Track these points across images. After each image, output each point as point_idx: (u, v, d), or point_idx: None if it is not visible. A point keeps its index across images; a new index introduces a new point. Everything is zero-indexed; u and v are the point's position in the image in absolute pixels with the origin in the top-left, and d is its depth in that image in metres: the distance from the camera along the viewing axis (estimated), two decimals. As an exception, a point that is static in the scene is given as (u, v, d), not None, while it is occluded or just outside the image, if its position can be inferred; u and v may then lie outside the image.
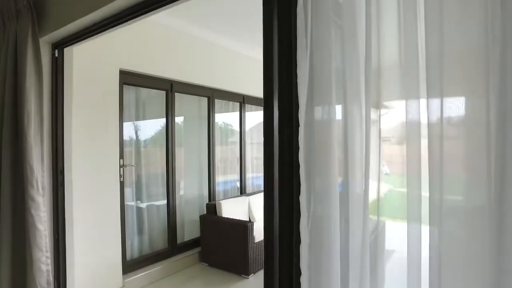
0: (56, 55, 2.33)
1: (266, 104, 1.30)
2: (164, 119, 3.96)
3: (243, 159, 5.42)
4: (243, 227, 3.79)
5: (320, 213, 1.06)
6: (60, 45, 2.32)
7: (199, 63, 4.28)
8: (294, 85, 1.13)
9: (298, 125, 1.16)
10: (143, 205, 3.86)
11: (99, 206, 3.07)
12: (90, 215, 2.97)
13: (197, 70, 4.25)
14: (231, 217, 4.17)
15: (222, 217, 4.12)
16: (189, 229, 4.43)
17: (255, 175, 5.89)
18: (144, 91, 3.85)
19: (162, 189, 4.03)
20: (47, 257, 2.11)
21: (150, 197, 3.97)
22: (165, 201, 4.02)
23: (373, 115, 0.99)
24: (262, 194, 4.37)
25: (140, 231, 3.81)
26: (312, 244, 1.07)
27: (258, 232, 3.98)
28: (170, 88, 3.96)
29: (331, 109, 1.04)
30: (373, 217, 1.02)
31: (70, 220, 2.61)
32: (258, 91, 5.07)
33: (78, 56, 2.72)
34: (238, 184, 5.43)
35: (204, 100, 4.63)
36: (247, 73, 5.36)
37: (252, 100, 5.56)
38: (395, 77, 0.91)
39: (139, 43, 3.47)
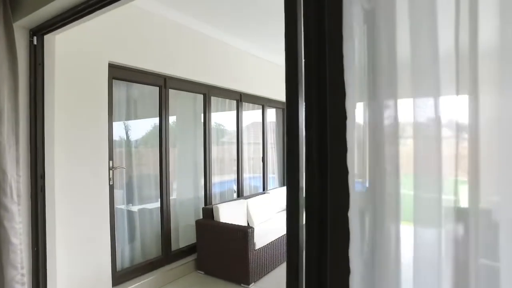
0: (35, 42, 2.05)
1: (290, 95, 1.04)
2: (157, 118, 3.68)
3: (240, 160, 5.16)
4: (243, 233, 3.54)
5: (385, 237, 0.81)
6: (39, 31, 2.03)
7: (194, 57, 4.01)
8: (335, 70, 0.88)
9: (333, 122, 0.92)
10: (135, 209, 3.58)
11: (86, 213, 2.78)
12: (75, 223, 2.68)
13: (192, 65, 3.98)
14: (229, 222, 3.91)
15: (220, 222, 3.86)
16: (184, 235, 4.15)
17: (252, 176, 5.65)
18: (135, 87, 3.56)
19: (155, 193, 3.75)
20: (22, 274, 1.83)
21: (143, 201, 3.68)
22: (158, 206, 3.74)
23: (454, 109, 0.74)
24: (261, 197, 4.14)
25: (132, 238, 3.53)
26: (366, 277, 0.82)
27: (259, 238, 3.74)
28: (164, 84, 3.68)
29: (395, 101, 0.79)
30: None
31: (52, 230, 2.33)
32: (256, 88, 4.83)
33: (61, 46, 2.43)
34: (234, 186, 5.17)
35: (200, 98, 4.36)
36: (245, 70, 5.11)
37: (249, 98, 5.31)
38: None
39: (130, 35, 3.18)
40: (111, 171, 3.07)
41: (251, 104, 5.47)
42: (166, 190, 3.75)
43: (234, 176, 5.15)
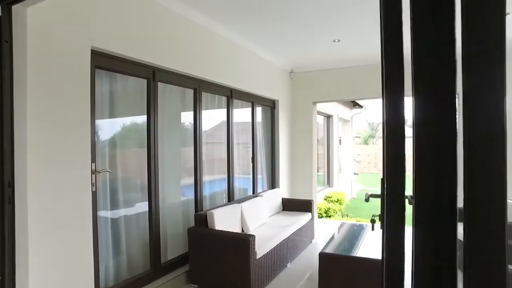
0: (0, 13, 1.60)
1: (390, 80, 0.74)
2: (145, 114, 3.25)
3: (231, 160, 4.81)
4: (244, 242, 3.20)
5: None
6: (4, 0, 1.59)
7: (184, 48, 3.61)
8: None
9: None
10: (120, 218, 3.13)
11: (65, 227, 2.32)
12: (52, 240, 2.22)
13: (182, 56, 3.58)
14: (224, 229, 3.56)
15: (216, 230, 3.49)
16: (174, 245, 3.74)
17: (241, 177, 5.31)
18: (121, 80, 3.11)
19: (143, 198, 3.31)
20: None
21: (129, 209, 3.24)
22: (146, 213, 3.31)
23: None
24: (254, 200, 3.81)
25: (117, 251, 3.08)
26: None
27: (259, 246, 3.42)
28: (152, 76, 3.26)
29: None
30: None
31: (23, 248, 1.88)
32: (247, 85, 4.47)
33: (35, 23, 1.98)
34: (225, 188, 4.80)
35: (190, 93, 3.96)
36: (236, 64, 4.76)
37: (240, 95, 4.97)
38: None
39: (116, 18, 2.74)
40: (93, 175, 2.62)
41: (239, 102, 5.12)
42: (155, 196, 3.33)
43: (224, 178, 4.78)
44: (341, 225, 4.39)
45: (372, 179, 18.36)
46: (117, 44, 2.75)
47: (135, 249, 3.24)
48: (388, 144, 0.80)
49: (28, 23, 1.88)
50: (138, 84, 3.22)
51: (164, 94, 3.52)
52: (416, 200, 0.74)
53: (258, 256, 3.33)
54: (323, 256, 3.23)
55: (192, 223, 3.87)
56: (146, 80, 3.21)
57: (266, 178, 6.09)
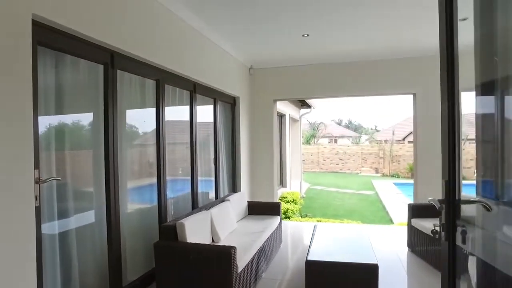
0: None
1: None
2: (102, 108, 2.65)
3: (194, 162, 4.32)
4: (225, 255, 2.79)
5: None
6: None
7: (147, 31, 3.07)
8: None
9: None
10: (71, 235, 2.47)
11: (-2, 258, 1.69)
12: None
13: (146, 40, 3.04)
14: (196, 241, 3.11)
15: (189, 243, 3.01)
16: (135, 263, 3.16)
17: (203, 179, 4.84)
18: (71, 64, 2.46)
19: (99, 209, 2.70)
20: None
21: (82, 223, 2.60)
22: (104, 227, 2.70)
23: None
24: (222, 206, 3.40)
25: (67, 279, 2.42)
26: None
27: (239, 259, 3.03)
28: (111, 62, 2.67)
29: None
30: None
31: None
32: (211, 79, 4.00)
33: None
34: (189, 193, 4.30)
35: (151, 84, 3.41)
36: (200, 55, 4.31)
37: (203, 90, 4.51)
38: None
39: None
40: (37, 186, 1.99)
41: (201, 99, 4.65)
42: (115, 205, 2.74)
43: (187, 181, 4.28)
44: (315, 227, 4.20)
45: (316, 177, 19.04)
46: (67, 15, 2.14)
47: (91, 271, 2.62)
48: None
49: None
50: (93, 71, 2.61)
51: (122, 85, 2.93)
52: None
53: (239, 270, 2.95)
54: (311, 264, 2.97)
55: (155, 236, 3.33)
56: (103, 66, 2.61)
57: (227, 180, 5.69)
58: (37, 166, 1.97)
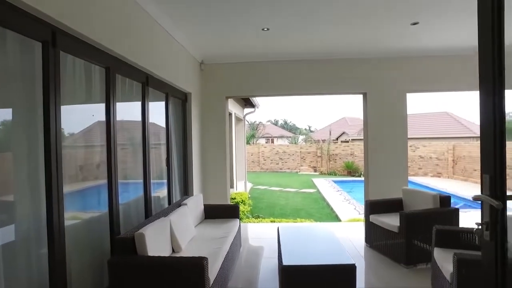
0: None
1: None
2: (41, 98, 2.11)
3: (147, 164, 3.84)
4: (197, 267, 2.46)
5: None
6: None
7: (96, 7, 2.57)
8: None
9: None
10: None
11: None
12: None
13: (94, 17, 2.54)
14: (157, 254, 2.72)
15: (151, 257, 2.60)
16: (81, 283, 2.63)
17: (156, 182, 4.36)
18: (0, 40, 1.90)
19: (36, 221, 2.14)
20: None
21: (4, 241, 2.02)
22: (44, 240, 2.15)
23: None
24: (180, 211, 3.13)
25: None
26: None
27: (211, 269, 2.72)
28: (52, 39, 2.14)
29: None
30: None
31: None
32: (164, 71, 3.61)
33: None
34: (142, 196, 3.80)
35: (99, 73, 2.88)
36: (155, 44, 3.85)
37: (155, 83, 4.05)
38: None
39: None
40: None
41: (152, 93, 4.17)
42: (58, 214, 2.20)
43: (138, 185, 3.78)
44: (278, 229, 4.05)
45: (257, 177, 19.16)
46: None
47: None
48: None
49: None
50: (28, 51, 2.05)
51: (65, 70, 2.39)
52: None
53: (211, 282, 2.64)
54: (286, 269, 2.79)
55: (106, 249, 2.85)
56: (41, 44, 2.08)
57: (178, 182, 5.25)
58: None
